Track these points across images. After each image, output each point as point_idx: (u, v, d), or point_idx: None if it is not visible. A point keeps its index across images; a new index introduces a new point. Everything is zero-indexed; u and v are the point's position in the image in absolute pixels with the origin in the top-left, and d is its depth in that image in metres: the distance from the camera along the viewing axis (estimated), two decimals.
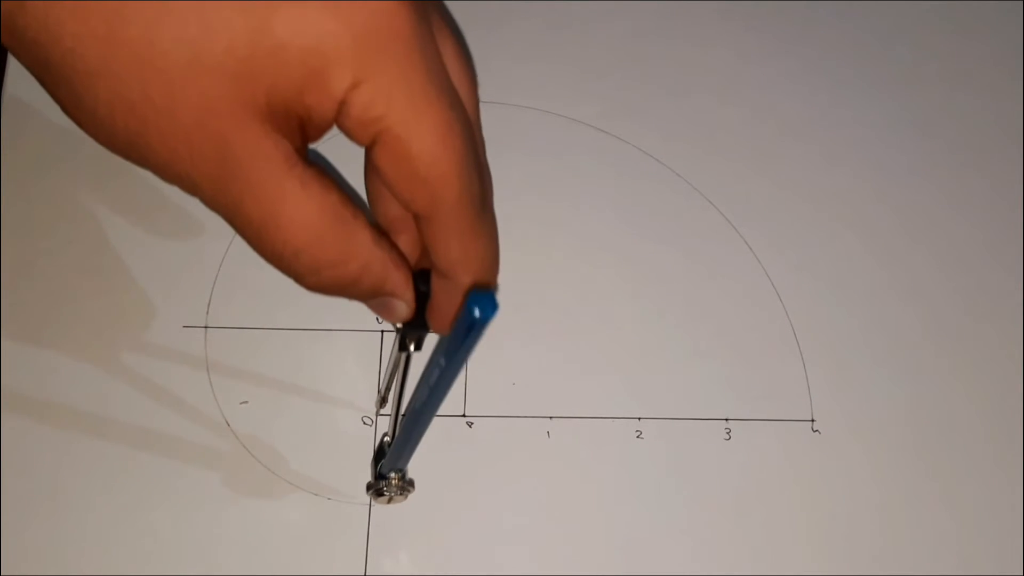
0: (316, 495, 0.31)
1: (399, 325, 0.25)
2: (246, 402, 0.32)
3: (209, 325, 0.33)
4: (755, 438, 0.33)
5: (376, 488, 0.30)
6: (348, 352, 0.33)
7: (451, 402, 0.33)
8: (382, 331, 0.34)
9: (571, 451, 0.32)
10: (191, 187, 0.19)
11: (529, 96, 0.38)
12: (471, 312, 0.18)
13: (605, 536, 0.31)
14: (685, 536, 0.31)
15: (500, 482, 0.32)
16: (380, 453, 0.30)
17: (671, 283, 0.35)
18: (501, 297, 0.35)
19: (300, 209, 0.19)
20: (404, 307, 0.23)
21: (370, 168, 0.22)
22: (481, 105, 0.37)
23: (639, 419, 0.33)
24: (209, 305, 0.34)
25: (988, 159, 0.38)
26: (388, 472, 0.30)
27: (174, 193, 0.33)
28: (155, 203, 0.35)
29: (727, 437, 0.33)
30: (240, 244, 0.36)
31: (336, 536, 0.31)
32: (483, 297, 0.18)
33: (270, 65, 0.18)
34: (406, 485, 0.30)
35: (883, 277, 0.36)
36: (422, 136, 0.19)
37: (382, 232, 0.22)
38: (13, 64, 0.37)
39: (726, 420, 0.33)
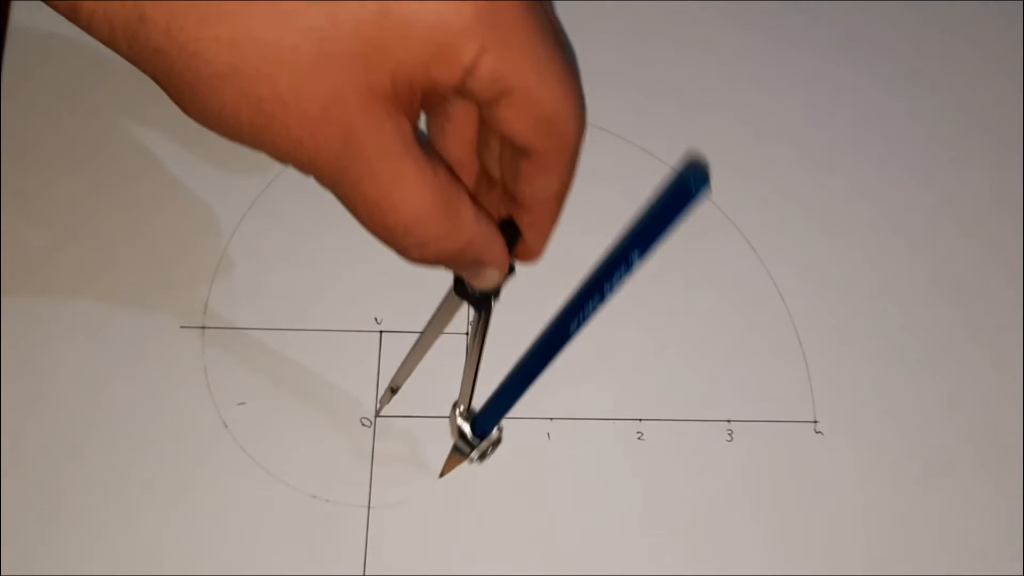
0: (314, 497, 0.31)
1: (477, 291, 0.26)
2: (244, 403, 0.32)
3: (207, 326, 0.33)
4: (757, 439, 0.33)
5: (472, 454, 0.31)
6: (347, 353, 0.33)
7: (451, 402, 0.33)
8: (381, 331, 0.34)
9: (571, 452, 0.32)
10: (312, 168, 0.20)
11: None
12: (686, 185, 0.19)
13: (605, 537, 0.31)
14: (686, 537, 0.31)
15: (500, 483, 0.32)
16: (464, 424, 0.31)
17: (673, 284, 0.35)
18: (500, 297, 0.35)
19: (415, 189, 0.20)
20: (497, 275, 0.25)
21: (451, 118, 0.23)
22: None
23: (640, 420, 0.33)
24: (207, 305, 0.34)
25: (990, 159, 0.38)
26: (488, 430, 0.30)
27: (172, 193, 0.33)
28: (154, 203, 0.35)
29: (729, 438, 0.33)
30: (238, 244, 0.36)
31: (335, 537, 0.30)
32: (695, 174, 0.19)
33: (397, 44, 0.18)
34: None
35: (886, 278, 0.36)
36: (549, 86, 0.20)
37: (480, 204, 0.23)
38: (9, 59, 0.37)
39: (728, 421, 0.33)
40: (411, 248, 0.21)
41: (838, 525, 0.32)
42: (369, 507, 0.31)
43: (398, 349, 0.33)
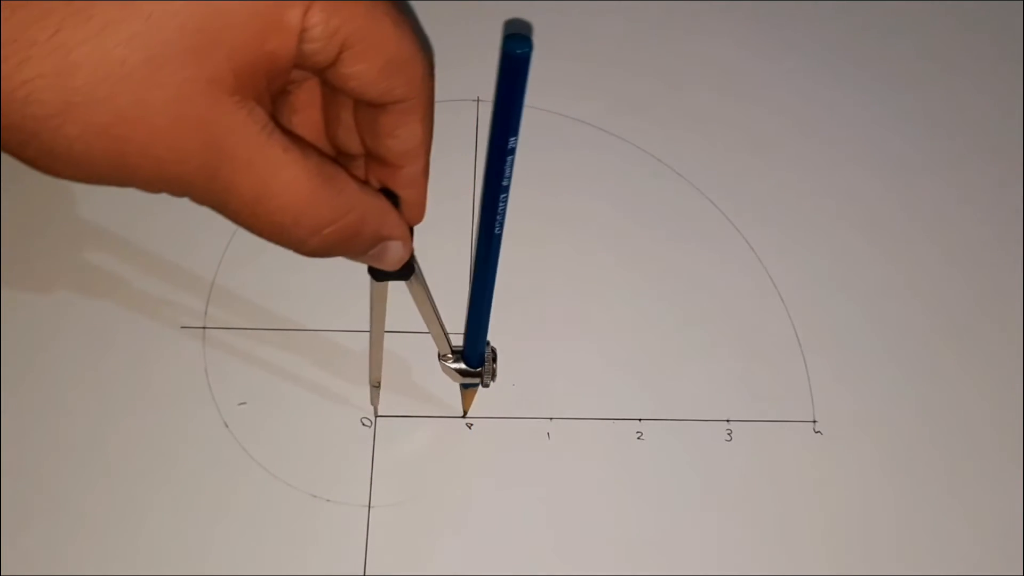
0: (315, 496, 0.31)
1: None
2: (244, 403, 0.32)
3: (207, 326, 0.33)
4: (757, 439, 0.33)
5: (484, 381, 0.31)
6: (347, 353, 0.33)
7: (451, 402, 0.33)
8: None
9: (571, 452, 0.32)
10: (182, 187, 0.19)
11: (531, 95, 0.37)
12: (510, 53, 0.19)
13: (606, 537, 0.31)
14: (686, 537, 0.31)
15: (500, 483, 0.32)
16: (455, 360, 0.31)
17: (673, 283, 0.35)
18: (501, 297, 0.35)
19: (292, 174, 0.19)
20: (400, 246, 0.24)
21: (325, 96, 0.23)
22: (481, 104, 0.37)
23: (640, 420, 0.33)
24: (207, 305, 0.34)
25: (989, 156, 0.38)
26: (481, 360, 0.31)
27: None
28: (155, 202, 0.35)
29: (728, 438, 0.33)
30: (239, 244, 0.36)
31: (335, 537, 0.30)
32: (513, 39, 0.19)
33: (223, 29, 0.17)
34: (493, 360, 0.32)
35: (885, 277, 0.36)
36: (386, 29, 0.20)
37: (361, 178, 0.23)
38: None
39: (728, 421, 0.33)
40: (307, 238, 0.21)
41: (837, 525, 0.32)
42: (369, 507, 0.31)
43: (398, 349, 0.33)
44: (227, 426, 0.32)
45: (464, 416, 0.32)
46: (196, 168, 0.18)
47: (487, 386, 0.32)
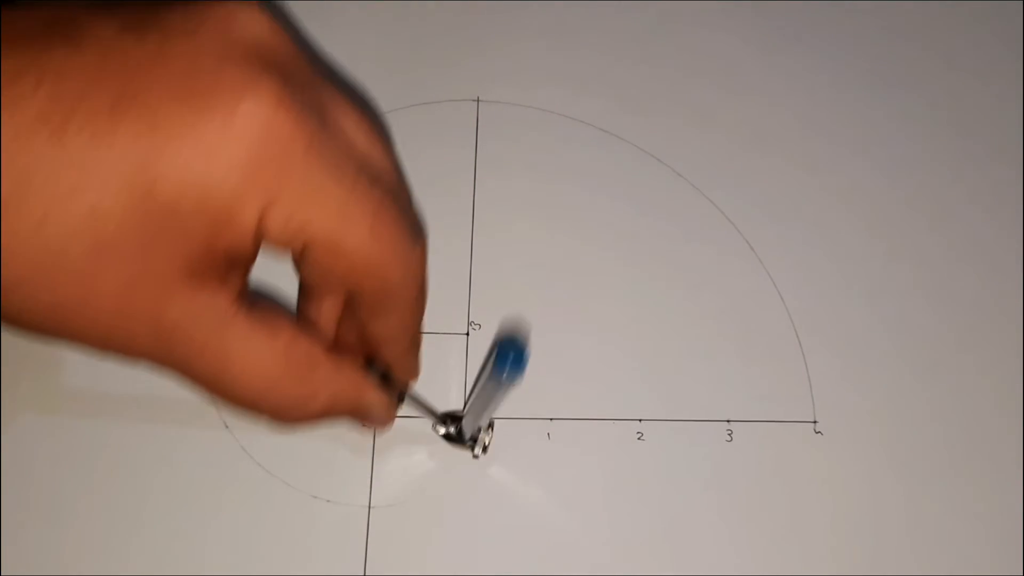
0: (315, 497, 0.31)
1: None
2: None
3: None
4: (757, 439, 0.33)
5: (473, 453, 0.31)
6: None
7: (451, 402, 0.33)
8: None
9: (572, 453, 0.32)
10: (135, 358, 0.18)
11: (530, 96, 0.38)
12: (500, 371, 0.19)
13: (606, 538, 0.31)
14: (686, 538, 0.31)
15: (500, 483, 0.32)
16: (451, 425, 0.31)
17: (672, 283, 0.35)
18: (501, 297, 0.35)
19: (250, 359, 0.19)
20: (382, 413, 0.24)
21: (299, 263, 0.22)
22: (481, 104, 0.37)
23: (640, 420, 0.33)
24: None
25: (989, 159, 0.38)
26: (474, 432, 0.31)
27: None
28: None
29: (729, 439, 0.33)
30: None
31: (335, 538, 0.30)
32: (509, 355, 0.19)
33: (171, 225, 0.17)
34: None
35: (886, 277, 0.36)
36: (351, 231, 0.18)
37: (339, 348, 0.22)
38: None
39: (728, 422, 0.33)
40: (273, 418, 0.20)
41: (838, 525, 0.32)
42: (369, 507, 0.31)
43: None
44: (227, 427, 0.32)
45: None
46: (146, 347, 0.18)
47: (476, 457, 0.31)
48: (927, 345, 0.35)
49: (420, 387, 0.33)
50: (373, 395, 0.23)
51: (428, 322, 0.33)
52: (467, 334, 0.34)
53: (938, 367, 0.34)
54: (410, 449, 0.32)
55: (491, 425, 0.32)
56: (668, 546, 0.31)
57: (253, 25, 0.18)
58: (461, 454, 0.32)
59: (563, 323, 0.34)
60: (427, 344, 0.33)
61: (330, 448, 0.32)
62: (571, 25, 0.39)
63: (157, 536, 0.30)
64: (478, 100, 0.37)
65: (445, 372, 0.33)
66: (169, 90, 0.16)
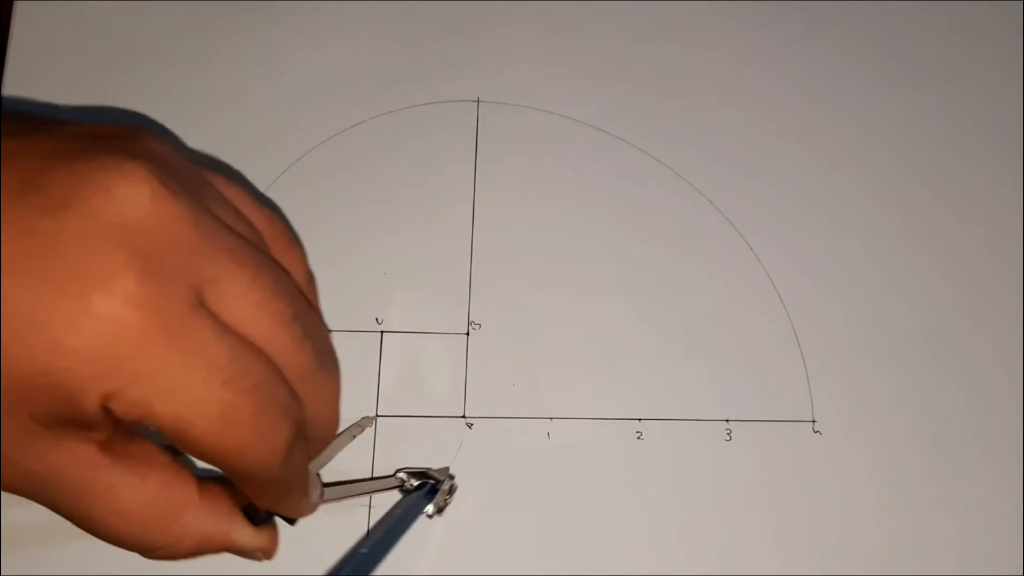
0: None
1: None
2: None
3: None
4: (756, 439, 0.33)
5: (433, 507, 0.31)
6: (347, 353, 0.33)
7: (451, 402, 0.33)
8: (382, 331, 0.34)
9: (571, 452, 0.32)
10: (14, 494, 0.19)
11: (529, 96, 0.38)
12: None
13: (605, 537, 0.31)
14: (685, 537, 0.31)
15: (500, 483, 0.32)
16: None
17: (672, 284, 0.35)
18: (501, 297, 0.35)
19: (113, 507, 0.19)
20: (260, 555, 0.24)
21: None
22: (481, 105, 0.37)
23: (639, 420, 0.33)
24: None
25: (988, 159, 0.38)
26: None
27: None
28: None
29: (728, 438, 0.33)
30: None
31: (336, 537, 0.31)
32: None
33: (16, 396, 0.17)
34: None
35: (884, 278, 0.36)
36: (197, 424, 0.18)
37: (212, 489, 0.22)
38: (13, 59, 0.37)
39: (727, 421, 0.33)
40: (143, 554, 0.21)
41: (837, 525, 0.32)
42: (370, 507, 0.31)
43: (398, 349, 0.33)
44: None
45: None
46: (15, 489, 0.19)
47: (429, 516, 0.31)
48: (926, 347, 0.35)
49: (420, 387, 0.33)
50: (245, 538, 0.23)
51: (428, 322, 0.34)
52: (467, 334, 0.34)
53: (936, 368, 0.34)
54: (410, 449, 0.32)
55: (452, 490, 0.31)
56: (667, 545, 0.31)
57: (130, 201, 0.17)
58: (461, 452, 0.32)
59: (563, 323, 0.34)
60: (427, 344, 0.33)
61: (330, 448, 0.32)
62: (571, 25, 0.40)
63: None
64: (478, 100, 0.38)
65: (445, 372, 0.33)
66: (28, 271, 0.16)
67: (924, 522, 0.32)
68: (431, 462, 0.32)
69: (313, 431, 0.22)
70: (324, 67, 0.38)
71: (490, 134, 0.37)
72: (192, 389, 0.18)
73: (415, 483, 0.31)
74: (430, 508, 0.30)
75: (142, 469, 0.20)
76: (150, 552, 0.21)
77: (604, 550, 0.31)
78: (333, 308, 0.34)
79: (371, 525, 0.31)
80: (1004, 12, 0.41)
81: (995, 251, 0.36)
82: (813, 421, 0.33)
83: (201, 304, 0.18)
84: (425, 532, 0.31)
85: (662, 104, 0.38)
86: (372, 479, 0.31)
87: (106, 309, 0.17)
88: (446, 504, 0.31)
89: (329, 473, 0.31)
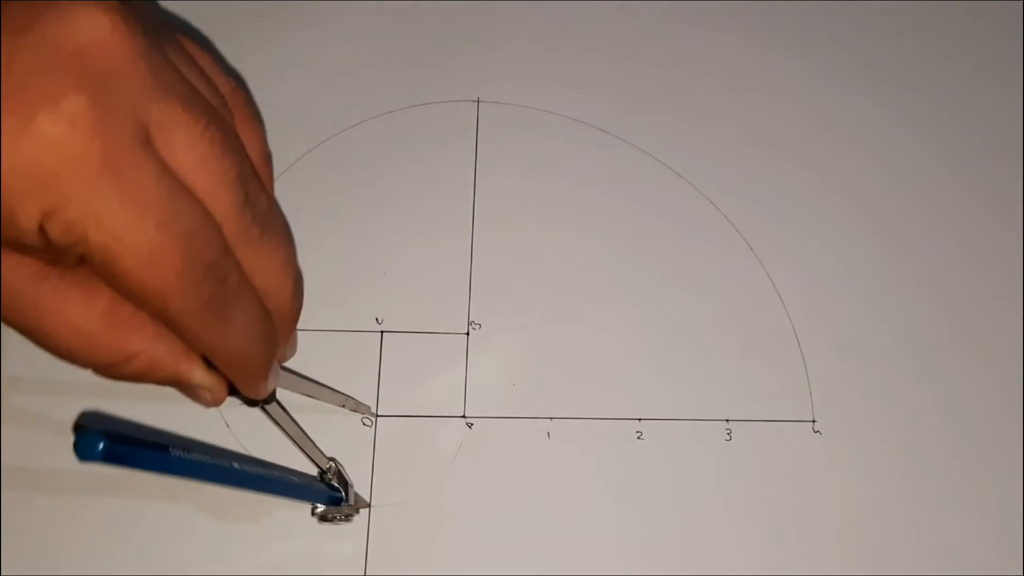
0: None
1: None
2: None
3: None
4: (756, 439, 0.33)
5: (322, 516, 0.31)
6: (347, 353, 0.33)
7: (451, 402, 0.33)
8: (381, 331, 0.34)
9: (571, 452, 0.32)
10: None
11: (529, 96, 0.38)
12: (77, 452, 0.20)
13: (605, 537, 0.31)
14: (685, 537, 0.31)
15: (500, 483, 0.32)
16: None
17: (672, 283, 0.35)
18: (501, 297, 0.35)
19: (63, 319, 0.20)
20: (207, 395, 0.23)
21: None
22: (481, 104, 0.37)
23: (640, 420, 0.33)
24: None
25: (989, 161, 0.38)
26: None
27: None
28: None
29: (728, 438, 0.33)
30: None
31: (336, 537, 0.31)
32: (84, 439, 0.20)
33: None
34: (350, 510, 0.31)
35: (885, 277, 0.36)
36: (124, 258, 0.18)
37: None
38: None
39: (727, 421, 0.33)
40: (92, 370, 0.21)
41: (837, 525, 0.32)
42: (370, 507, 0.31)
43: (399, 349, 0.33)
44: (228, 426, 0.32)
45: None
46: None
47: (312, 514, 0.30)
48: (926, 345, 0.35)
49: (420, 387, 0.33)
50: (195, 370, 0.22)
51: (428, 322, 0.34)
52: (467, 334, 0.34)
53: (937, 367, 0.34)
54: (410, 449, 0.32)
55: (348, 517, 0.31)
56: (668, 545, 0.31)
57: (88, 29, 0.18)
58: (462, 452, 0.32)
59: (563, 323, 0.34)
60: (427, 344, 0.33)
61: (330, 448, 0.32)
62: (571, 25, 0.40)
63: (157, 536, 0.30)
64: (478, 100, 0.38)
65: (445, 372, 0.33)
66: None
67: (924, 522, 0.32)
68: (431, 462, 0.32)
69: (268, 302, 0.22)
70: (324, 67, 0.38)
71: (490, 134, 0.37)
72: (125, 223, 0.18)
73: (334, 483, 0.30)
74: (320, 508, 0.30)
75: (90, 286, 0.20)
76: (102, 369, 0.21)
77: (604, 550, 0.31)
78: (333, 308, 0.34)
79: (370, 526, 0.31)
80: (1004, 12, 0.41)
81: (996, 250, 0.36)
82: (813, 421, 0.33)
83: (147, 144, 0.18)
84: (425, 531, 0.31)
85: (662, 104, 0.38)
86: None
87: (50, 128, 0.17)
88: (332, 519, 0.30)
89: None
